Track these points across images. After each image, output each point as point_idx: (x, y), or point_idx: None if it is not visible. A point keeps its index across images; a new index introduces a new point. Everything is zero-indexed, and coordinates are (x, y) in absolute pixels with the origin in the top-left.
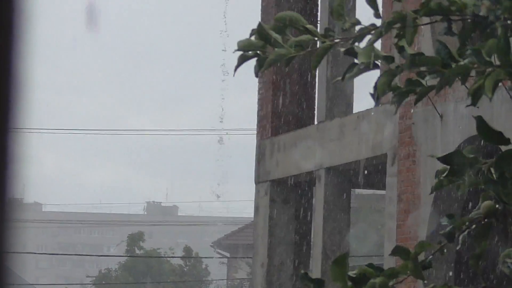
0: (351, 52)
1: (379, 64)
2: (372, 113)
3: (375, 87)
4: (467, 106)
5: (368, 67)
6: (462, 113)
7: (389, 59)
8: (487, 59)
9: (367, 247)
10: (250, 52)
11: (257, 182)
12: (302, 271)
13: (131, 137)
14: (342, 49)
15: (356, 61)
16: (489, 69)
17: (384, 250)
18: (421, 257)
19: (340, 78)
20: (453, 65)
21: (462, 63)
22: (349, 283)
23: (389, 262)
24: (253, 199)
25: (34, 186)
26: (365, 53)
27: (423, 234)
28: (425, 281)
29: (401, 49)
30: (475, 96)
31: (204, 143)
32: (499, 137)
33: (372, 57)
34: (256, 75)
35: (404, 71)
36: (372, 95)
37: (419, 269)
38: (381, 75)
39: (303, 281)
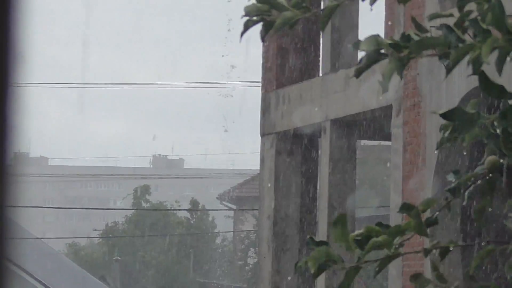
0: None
1: (387, 52)
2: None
3: (384, 75)
4: (469, 76)
5: (376, 58)
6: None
7: (396, 46)
8: (484, 27)
9: (373, 199)
10: (255, 18)
11: (263, 134)
12: (309, 236)
13: (136, 90)
14: (350, 45)
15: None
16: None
17: (390, 201)
18: (428, 213)
19: (353, 74)
20: (460, 45)
21: (467, 42)
22: (354, 245)
23: (396, 215)
24: (259, 151)
25: (40, 140)
26: (367, 42)
27: (429, 185)
28: (430, 237)
29: (407, 38)
30: (475, 65)
31: (210, 96)
32: (501, 92)
33: (374, 45)
34: (263, 40)
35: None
36: (381, 83)
37: (421, 225)
38: (390, 62)
39: (310, 246)
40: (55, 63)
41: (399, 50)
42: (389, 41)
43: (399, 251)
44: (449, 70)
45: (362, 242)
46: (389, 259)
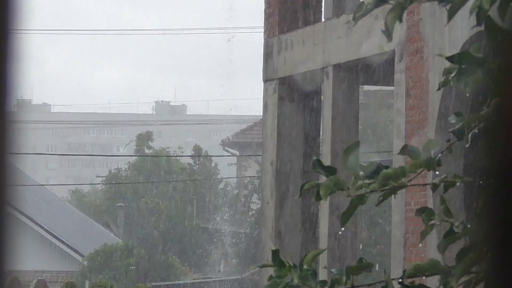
0: None
1: None
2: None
3: (386, 24)
4: (473, 27)
5: (377, 4)
6: (469, 13)
7: None
8: None
9: (376, 144)
10: None
11: (265, 80)
12: (315, 158)
13: (139, 36)
14: None
15: None
16: None
17: (393, 146)
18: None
19: (351, 20)
20: None
21: None
22: (361, 173)
23: (398, 159)
24: (262, 97)
25: (43, 87)
26: None
27: (432, 129)
28: (437, 172)
29: None
30: (479, 14)
31: (212, 41)
32: (507, 37)
33: None
34: None
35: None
36: (385, 32)
37: (431, 159)
38: (390, 10)
39: (315, 168)
40: (58, 9)
41: None
42: None
43: (405, 183)
44: (451, 15)
45: (370, 170)
46: (394, 189)
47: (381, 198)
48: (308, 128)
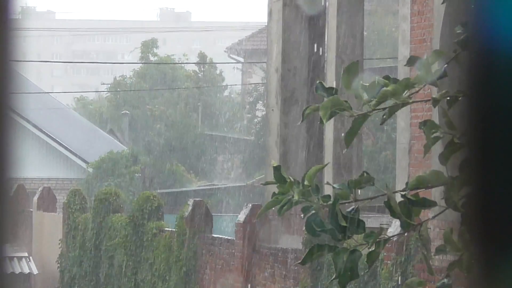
0: None
1: None
2: None
3: None
4: None
5: None
6: None
7: None
8: None
9: (381, 50)
10: None
11: None
12: (318, 81)
13: None
14: None
15: None
16: None
17: (398, 53)
18: (435, 66)
19: None
20: None
21: None
22: (363, 94)
23: (404, 66)
24: (266, 3)
25: None
26: None
27: (437, 36)
28: (438, 88)
29: None
30: None
31: None
32: None
33: None
34: None
35: None
36: None
37: (432, 76)
38: None
39: (318, 91)
40: None
41: None
42: None
43: (408, 100)
44: None
45: (371, 89)
46: (397, 107)
47: (384, 117)
48: (313, 35)
